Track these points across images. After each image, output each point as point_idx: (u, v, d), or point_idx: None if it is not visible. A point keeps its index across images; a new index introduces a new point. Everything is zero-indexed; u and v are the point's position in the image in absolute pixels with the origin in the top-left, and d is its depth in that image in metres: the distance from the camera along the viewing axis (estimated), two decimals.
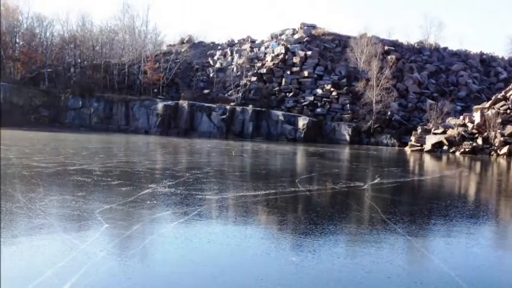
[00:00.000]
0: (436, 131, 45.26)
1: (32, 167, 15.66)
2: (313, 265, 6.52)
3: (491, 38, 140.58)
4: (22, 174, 14.00)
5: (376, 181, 17.18)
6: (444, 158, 36.09)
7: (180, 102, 56.99)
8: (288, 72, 61.84)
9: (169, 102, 57.29)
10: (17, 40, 66.66)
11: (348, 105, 56.49)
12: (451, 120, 47.44)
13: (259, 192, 12.56)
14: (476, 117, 43.77)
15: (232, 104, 57.74)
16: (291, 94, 59.72)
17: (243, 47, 71.30)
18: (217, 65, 69.29)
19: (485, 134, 41.93)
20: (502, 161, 34.38)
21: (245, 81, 62.41)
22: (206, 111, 55.94)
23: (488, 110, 44.12)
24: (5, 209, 9.02)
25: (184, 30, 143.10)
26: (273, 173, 19.43)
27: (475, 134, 42.80)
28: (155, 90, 62.87)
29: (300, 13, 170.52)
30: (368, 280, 6.04)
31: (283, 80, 61.35)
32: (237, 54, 69.23)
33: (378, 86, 54.45)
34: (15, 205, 9.43)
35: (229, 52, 71.21)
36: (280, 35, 70.92)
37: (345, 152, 38.37)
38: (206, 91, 63.20)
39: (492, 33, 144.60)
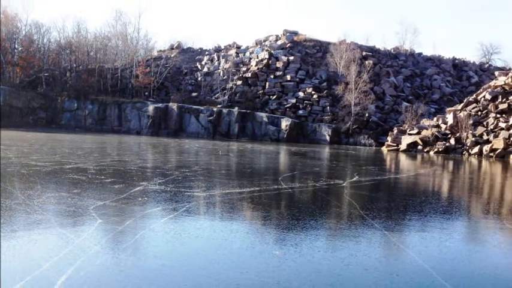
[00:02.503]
0: (411, 132, 45.51)
1: (30, 166, 15.56)
2: (295, 258, 6.55)
3: (463, 43, 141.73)
4: (21, 172, 13.91)
5: (354, 179, 17.25)
6: (419, 157, 36.27)
7: (170, 104, 56.78)
8: (272, 76, 61.75)
9: (160, 105, 57.08)
10: (16, 46, 65.99)
11: (328, 107, 56.55)
12: (425, 122, 47.70)
13: (244, 190, 12.57)
14: (449, 118, 44.08)
15: (219, 106, 57.58)
16: (274, 97, 59.66)
17: (229, 53, 71.18)
18: (205, 70, 69.16)
19: (458, 134, 42.23)
20: (474, 160, 34.63)
21: (231, 85, 62.30)
22: (194, 113, 55.80)
23: (460, 112, 44.46)
24: (4, 205, 8.98)
25: (174, 36, 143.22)
26: (257, 172, 19.42)
27: (448, 134, 43.11)
28: (146, 93, 62.70)
29: (283, 20, 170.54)
30: (347, 272, 6.08)
31: (267, 83, 61.27)
32: (224, 59, 69.09)
33: (356, 89, 54.61)
34: (14, 202, 9.38)
35: (216, 57, 71.06)
36: (264, 41, 70.90)
37: (325, 151, 38.42)
38: (194, 94, 63.06)
39: (464, 39, 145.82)
